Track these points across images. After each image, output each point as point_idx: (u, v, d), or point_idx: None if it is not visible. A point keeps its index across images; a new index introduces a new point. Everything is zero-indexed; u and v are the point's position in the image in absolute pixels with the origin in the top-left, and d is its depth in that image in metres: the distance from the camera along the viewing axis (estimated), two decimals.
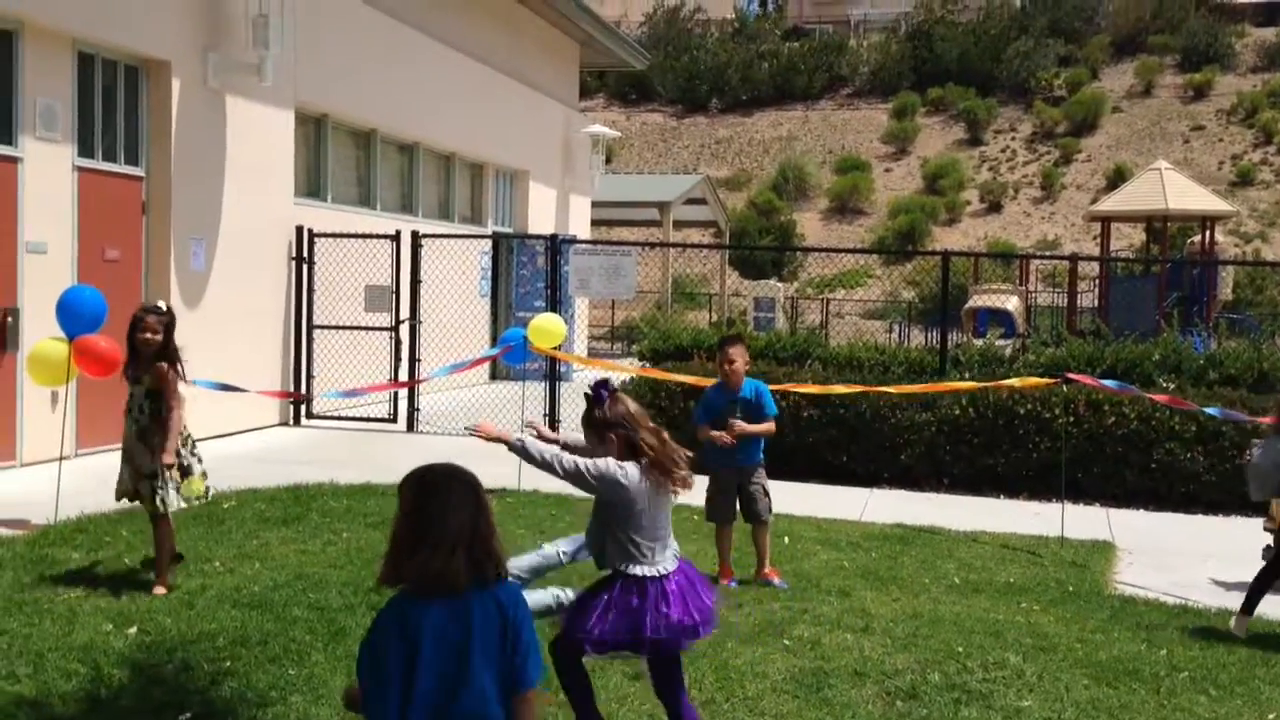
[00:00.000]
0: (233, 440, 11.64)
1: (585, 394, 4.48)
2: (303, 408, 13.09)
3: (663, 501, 4.39)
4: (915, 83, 50.34)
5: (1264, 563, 7.43)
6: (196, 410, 11.20)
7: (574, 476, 4.33)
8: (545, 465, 4.35)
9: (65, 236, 10.04)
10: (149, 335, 6.38)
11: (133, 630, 5.59)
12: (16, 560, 6.73)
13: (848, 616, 6.32)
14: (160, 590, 6.23)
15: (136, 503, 6.53)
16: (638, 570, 4.30)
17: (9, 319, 9.48)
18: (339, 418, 13.06)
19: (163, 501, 6.34)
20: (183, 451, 6.45)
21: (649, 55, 26.55)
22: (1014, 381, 9.62)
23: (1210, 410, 8.93)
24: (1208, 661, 5.82)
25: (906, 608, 6.54)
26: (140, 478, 6.40)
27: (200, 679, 5.02)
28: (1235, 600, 6.92)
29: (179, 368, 6.46)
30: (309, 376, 13.04)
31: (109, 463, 9.96)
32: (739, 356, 6.94)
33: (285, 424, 12.95)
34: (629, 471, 4.31)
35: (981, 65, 49.65)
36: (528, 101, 19.10)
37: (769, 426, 7.01)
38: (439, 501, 2.96)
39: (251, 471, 9.76)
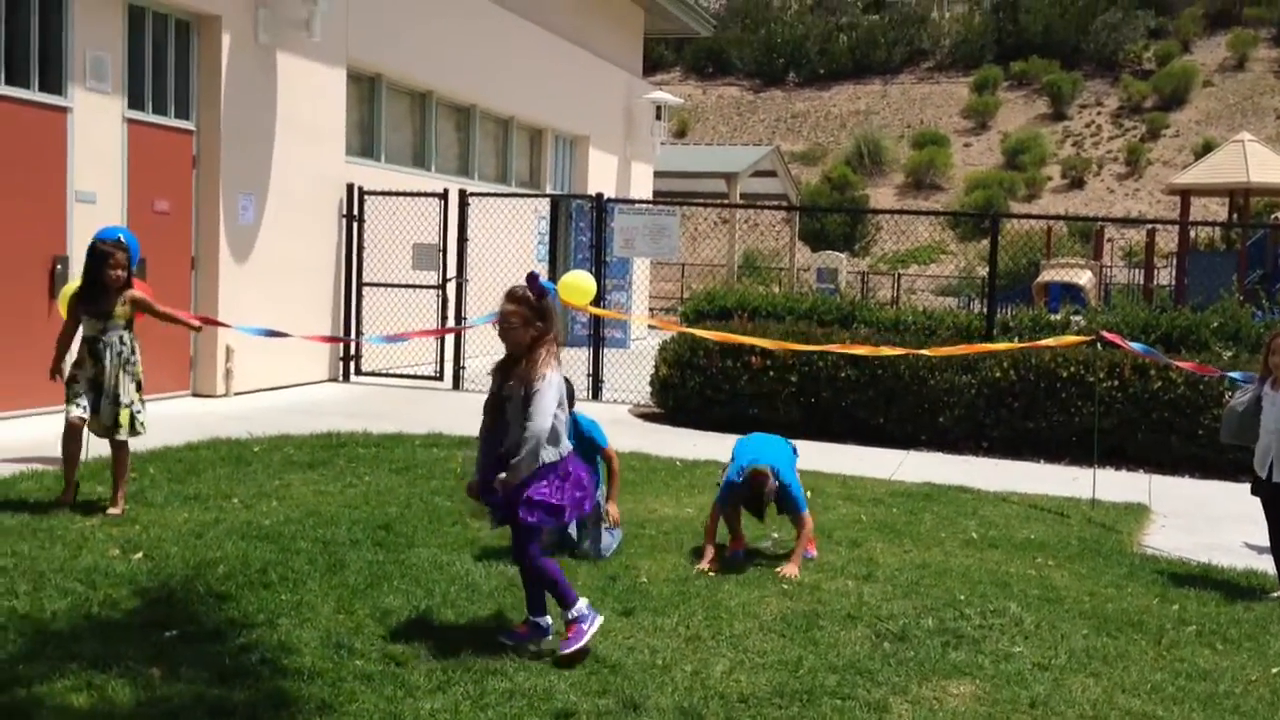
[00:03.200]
0: (279, 393, 11.84)
1: (530, 274, 4.85)
2: (351, 365, 13.26)
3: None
4: (998, 55, 49.40)
5: None
6: (246, 363, 11.49)
7: (540, 433, 4.67)
8: (534, 455, 4.68)
9: (115, 187, 10.26)
10: (120, 272, 6.52)
11: (138, 555, 5.71)
12: (44, 491, 6.92)
13: (853, 565, 6.24)
14: (116, 511, 6.47)
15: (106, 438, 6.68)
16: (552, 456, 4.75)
17: (58, 266, 9.72)
18: (387, 374, 13.22)
19: (143, 424, 6.66)
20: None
21: (715, 22, 26.29)
22: (1049, 341, 9.38)
23: (1234, 375, 8.62)
24: (1220, 617, 5.63)
25: (915, 559, 6.43)
26: (119, 407, 6.58)
27: (193, 601, 5.11)
28: (1265, 563, 6.70)
29: None
30: (358, 332, 13.19)
31: (154, 410, 10.23)
32: None
33: (334, 380, 13.13)
34: (551, 377, 4.70)
35: (1067, 37, 48.53)
36: (589, 67, 19.06)
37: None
38: None
39: (292, 421, 9.92)
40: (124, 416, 6.59)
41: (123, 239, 6.77)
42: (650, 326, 10.79)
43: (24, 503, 6.62)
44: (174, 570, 5.50)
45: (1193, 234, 25.31)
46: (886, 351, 9.77)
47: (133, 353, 6.62)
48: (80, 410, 6.55)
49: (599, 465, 6.41)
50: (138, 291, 6.71)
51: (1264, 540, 7.04)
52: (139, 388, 6.69)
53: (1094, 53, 48.21)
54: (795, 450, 6.64)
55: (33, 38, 9.47)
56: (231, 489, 7.26)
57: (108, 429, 6.61)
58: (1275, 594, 6.10)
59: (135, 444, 8.19)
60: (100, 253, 6.53)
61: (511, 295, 4.81)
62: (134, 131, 10.45)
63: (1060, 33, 48.71)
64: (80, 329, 6.63)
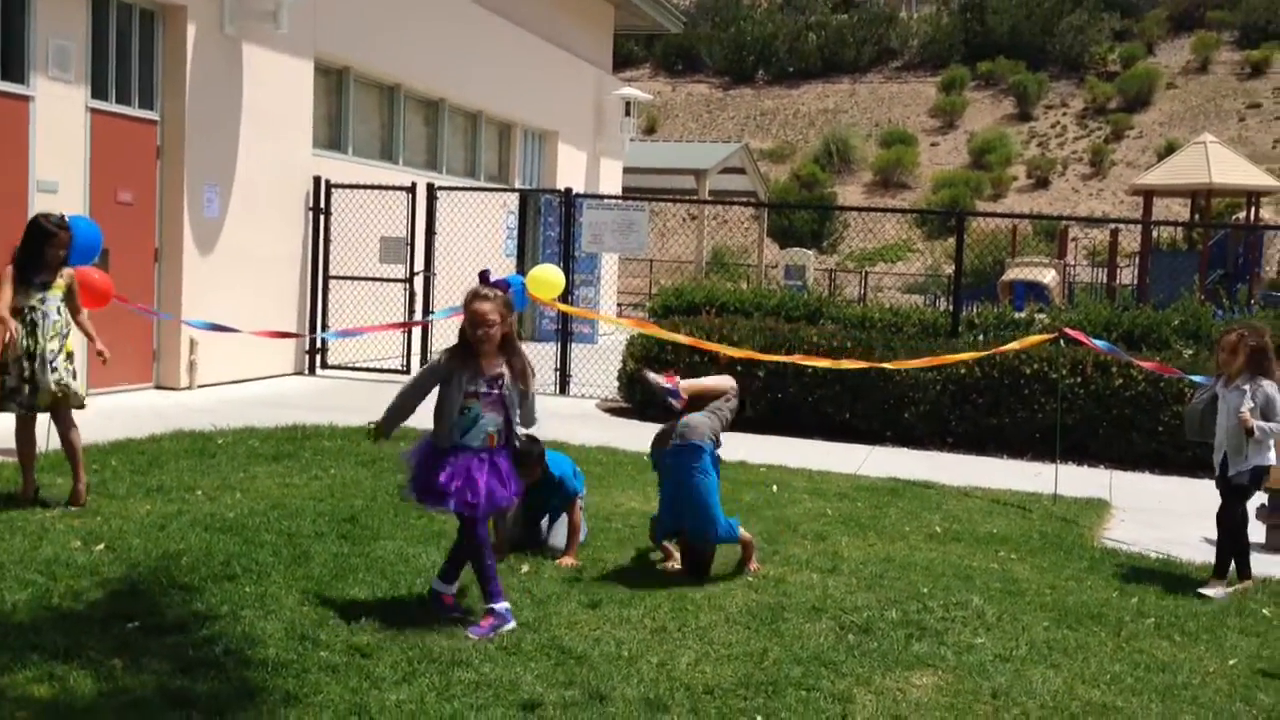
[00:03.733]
0: (244, 386, 11.77)
1: (482, 271, 5.07)
2: (317, 358, 13.19)
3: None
4: (965, 56, 49.71)
5: (1261, 523, 7.32)
6: (210, 355, 11.41)
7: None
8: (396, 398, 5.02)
9: (77, 176, 10.15)
10: (63, 252, 6.50)
11: (100, 547, 5.67)
12: (2, 483, 6.84)
13: (818, 558, 6.27)
14: (82, 495, 6.44)
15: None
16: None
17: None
18: (353, 368, 13.16)
19: (78, 395, 6.60)
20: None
21: (685, 19, 26.32)
22: (1013, 345, 9.45)
23: (1196, 378, 8.71)
24: (1179, 610, 5.71)
25: (880, 552, 6.48)
26: (55, 372, 6.48)
27: (156, 593, 5.07)
28: None
29: None
30: (324, 326, 13.12)
31: (116, 402, 10.16)
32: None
33: (300, 373, 13.05)
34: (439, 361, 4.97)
35: (1034, 39, 48.92)
36: (558, 62, 19.03)
37: None
38: None
39: (257, 414, 9.85)
40: (58, 379, 6.45)
41: (66, 219, 6.65)
42: (620, 323, 10.61)
43: None
44: (137, 562, 5.46)
45: (1155, 234, 25.57)
46: (847, 365, 9.53)
47: (66, 325, 6.55)
48: (21, 408, 6.45)
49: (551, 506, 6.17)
50: (72, 273, 6.67)
51: None
52: (70, 359, 6.57)
53: (1060, 54, 48.63)
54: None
55: None
56: (195, 481, 7.21)
57: (52, 396, 6.44)
58: (1232, 588, 6.19)
59: (98, 434, 8.17)
60: (44, 230, 6.43)
61: (484, 295, 4.91)
62: (97, 121, 10.34)
63: (1027, 34, 49.11)
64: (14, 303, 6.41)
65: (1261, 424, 6.11)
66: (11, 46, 9.52)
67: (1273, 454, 6.29)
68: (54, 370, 6.45)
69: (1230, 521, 6.27)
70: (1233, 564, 6.28)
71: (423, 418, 5.08)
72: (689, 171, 25.89)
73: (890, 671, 4.65)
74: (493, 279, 5.02)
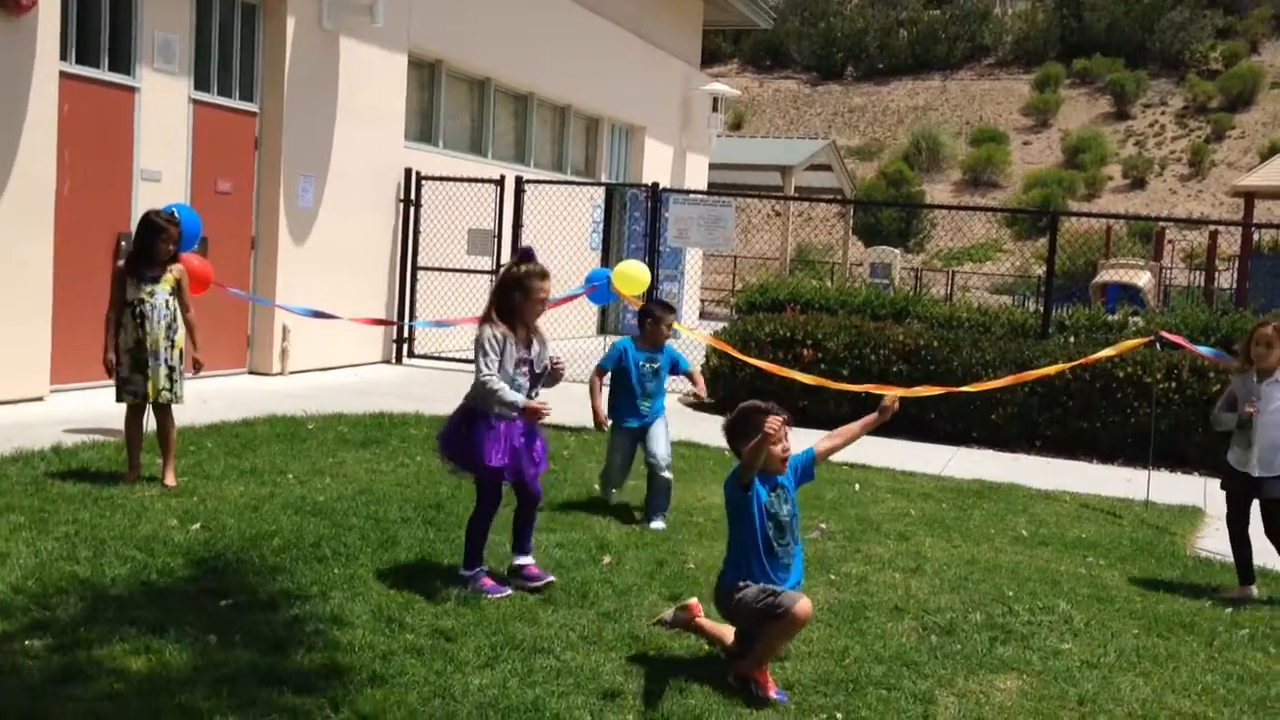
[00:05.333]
0: (333, 373, 12.00)
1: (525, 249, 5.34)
2: (404, 347, 13.39)
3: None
4: (1061, 53, 48.76)
5: None
6: (301, 343, 11.65)
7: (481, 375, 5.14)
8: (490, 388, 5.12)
9: (179, 166, 10.43)
10: (171, 246, 6.73)
11: (196, 526, 5.83)
12: (105, 462, 7.07)
13: (901, 558, 6.22)
14: (171, 481, 6.62)
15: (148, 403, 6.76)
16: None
17: (122, 243, 9.90)
18: (439, 358, 13.33)
19: (180, 394, 6.79)
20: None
21: (774, 15, 26.17)
22: (1107, 352, 9.21)
23: None
24: (1274, 620, 5.56)
25: (964, 554, 6.40)
26: (165, 367, 6.71)
27: (248, 572, 5.20)
28: None
29: None
30: (412, 315, 13.32)
31: (212, 386, 10.43)
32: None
33: (387, 362, 13.27)
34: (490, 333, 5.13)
35: (1132, 36, 47.79)
36: (646, 57, 19.07)
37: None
38: None
39: (345, 400, 10.05)
40: (166, 382, 6.71)
41: (176, 215, 6.91)
42: (698, 333, 10.39)
43: (86, 472, 6.77)
44: (230, 541, 5.60)
45: (1256, 236, 24.81)
46: (923, 392, 9.02)
47: (175, 319, 6.75)
48: (134, 396, 6.71)
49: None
50: (183, 269, 6.87)
51: None
52: (181, 356, 6.81)
53: (1159, 52, 47.45)
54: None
55: (103, 19, 9.65)
56: (286, 464, 7.37)
57: (160, 391, 6.69)
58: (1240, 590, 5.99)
59: (193, 417, 8.39)
60: (155, 225, 6.69)
61: (546, 273, 5.26)
62: (199, 112, 10.61)
63: (1125, 31, 48.00)
64: (125, 296, 6.70)
65: None
66: (119, 39, 9.81)
67: None
68: (168, 365, 6.68)
69: None
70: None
71: (447, 388, 5.16)
72: (775, 168, 25.78)
73: (973, 674, 4.59)
74: (590, 273, 5.29)
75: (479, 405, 5.19)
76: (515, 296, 5.18)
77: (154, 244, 6.68)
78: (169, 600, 4.74)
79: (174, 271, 6.76)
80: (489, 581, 5.22)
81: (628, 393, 6.87)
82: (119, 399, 6.76)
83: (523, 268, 5.20)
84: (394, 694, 4.00)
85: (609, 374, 6.97)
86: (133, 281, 6.69)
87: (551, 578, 5.27)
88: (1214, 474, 9.58)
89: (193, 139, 10.56)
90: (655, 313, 7.02)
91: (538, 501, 5.39)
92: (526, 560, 5.33)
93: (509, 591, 5.16)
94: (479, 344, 5.17)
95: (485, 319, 5.24)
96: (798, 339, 10.91)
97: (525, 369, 5.22)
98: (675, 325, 7.12)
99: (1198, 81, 45.59)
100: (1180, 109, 45.33)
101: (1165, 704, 4.43)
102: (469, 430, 5.19)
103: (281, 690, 3.94)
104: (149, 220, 6.76)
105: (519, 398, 5.14)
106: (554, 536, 6.11)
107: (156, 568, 5.14)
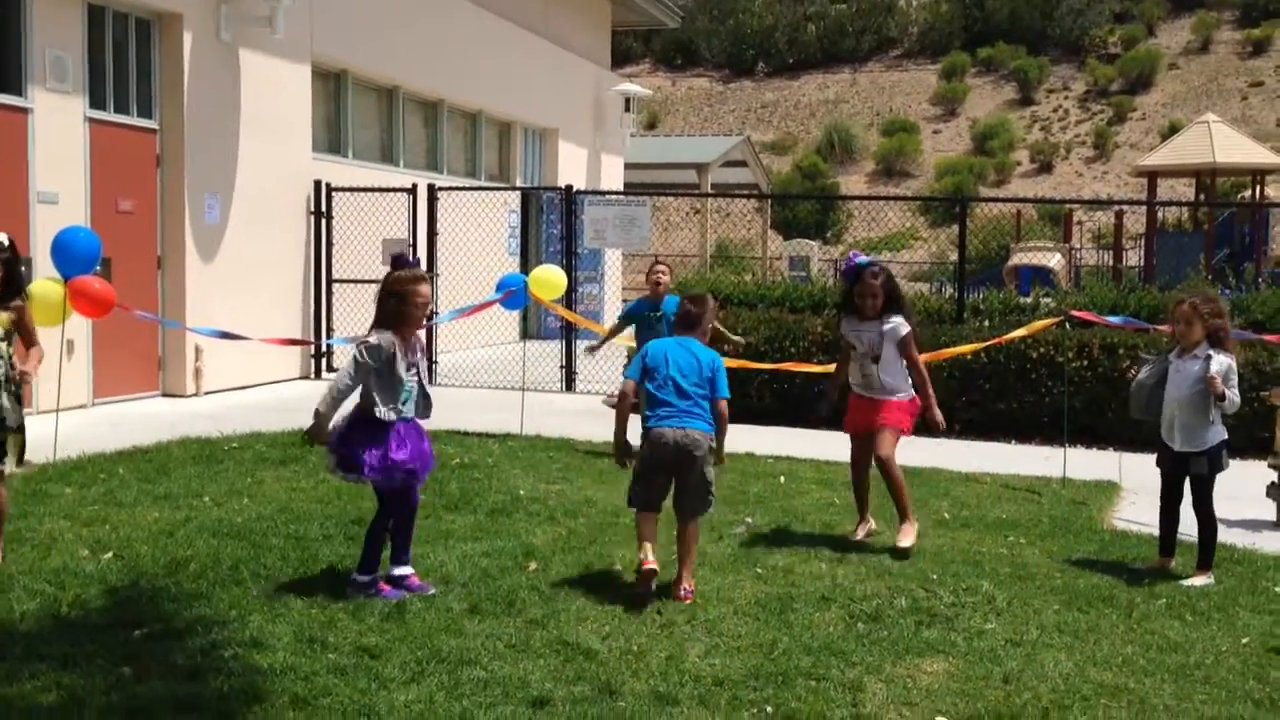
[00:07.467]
0: (250, 392, 11.78)
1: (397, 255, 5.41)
2: (323, 362, 13.19)
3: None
4: (965, 42, 49.54)
5: (1272, 501, 7.28)
6: (215, 362, 11.41)
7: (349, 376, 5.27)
8: (330, 401, 5.30)
9: (78, 187, 10.16)
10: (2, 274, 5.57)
11: (108, 555, 5.67)
12: (12, 495, 6.83)
13: (826, 548, 6.25)
14: None
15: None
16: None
17: (21, 269, 9.60)
18: None
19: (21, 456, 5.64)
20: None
21: (682, 13, 26.28)
22: (1020, 332, 9.40)
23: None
24: (1190, 590, 5.68)
25: (888, 541, 6.45)
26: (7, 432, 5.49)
27: (164, 600, 5.07)
28: (1236, 537, 6.80)
29: None
30: (329, 329, 13.13)
31: (123, 410, 10.18)
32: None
33: (306, 377, 13.07)
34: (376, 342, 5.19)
35: (1033, 23, 48.74)
36: (556, 60, 19.01)
37: None
38: None
39: (263, 419, 9.85)
40: (13, 442, 5.51)
41: (4, 242, 5.67)
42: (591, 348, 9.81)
43: None
44: (144, 569, 5.46)
45: (1160, 214, 25.46)
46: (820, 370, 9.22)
47: (11, 368, 5.48)
48: None
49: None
50: (22, 303, 5.72)
51: (1232, 514, 7.14)
52: (20, 402, 5.56)
53: (1060, 38, 48.45)
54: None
55: None
56: (203, 487, 7.22)
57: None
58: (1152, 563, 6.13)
59: (104, 443, 8.18)
60: None
61: (426, 278, 5.38)
62: (96, 131, 10.35)
63: (1026, 18, 48.93)
64: None
65: (1230, 391, 5.87)
66: (8, 59, 9.53)
67: (1222, 428, 6.11)
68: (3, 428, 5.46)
69: (1207, 511, 6.08)
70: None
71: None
72: (691, 166, 25.84)
73: (901, 659, 4.63)
74: (504, 278, 5.30)
75: (369, 410, 5.22)
76: (392, 304, 5.24)
77: None
78: (80, 633, 4.60)
79: (7, 314, 5.53)
80: (386, 587, 5.22)
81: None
82: None
83: (399, 274, 5.26)
84: (317, 715, 3.93)
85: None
86: None
87: (433, 589, 5.26)
88: (1127, 448, 9.83)
89: (90, 159, 10.29)
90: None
91: (415, 511, 5.46)
92: (407, 570, 5.34)
93: (404, 595, 5.17)
94: (353, 352, 5.26)
95: (371, 328, 5.29)
96: (719, 334, 10.93)
97: (414, 372, 5.33)
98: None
99: (1098, 65, 46.63)
100: (1082, 93, 46.33)
101: (1088, 677, 4.50)
102: (367, 432, 5.22)
103: (199, 719, 3.84)
104: None
105: (329, 412, 5.26)
106: (480, 545, 6.04)
107: (67, 600, 4.99)
